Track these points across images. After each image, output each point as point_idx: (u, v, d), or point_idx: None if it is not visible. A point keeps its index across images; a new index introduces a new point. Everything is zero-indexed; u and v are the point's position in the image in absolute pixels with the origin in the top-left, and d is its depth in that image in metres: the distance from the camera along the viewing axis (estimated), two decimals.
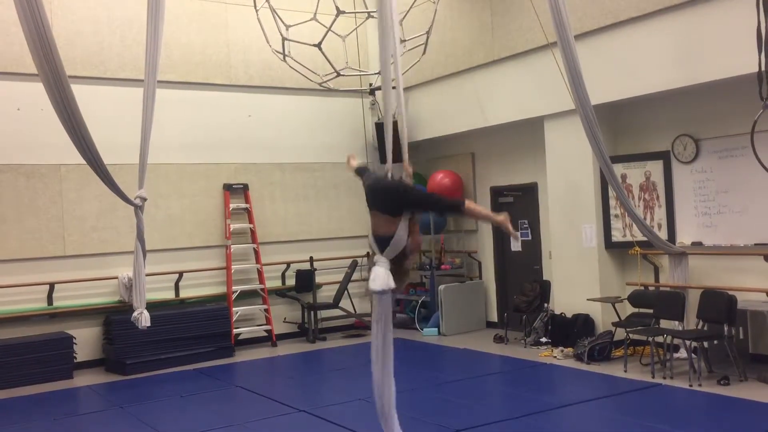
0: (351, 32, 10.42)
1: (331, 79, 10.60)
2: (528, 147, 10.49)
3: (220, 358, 9.97)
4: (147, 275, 7.05)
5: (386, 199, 4.90)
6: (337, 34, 10.16)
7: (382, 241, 4.77)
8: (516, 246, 10.25)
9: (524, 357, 9.06)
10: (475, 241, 11.68)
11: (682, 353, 7.96)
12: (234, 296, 10.61)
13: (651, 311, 8.35)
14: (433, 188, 11.53)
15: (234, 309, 10.54)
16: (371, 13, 9.92)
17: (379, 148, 11.64)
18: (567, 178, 9.54)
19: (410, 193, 4.95)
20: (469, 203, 4.82)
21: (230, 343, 10.26)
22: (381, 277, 4.66)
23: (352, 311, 11.45)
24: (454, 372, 8.72)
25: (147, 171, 6.67)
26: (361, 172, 5.63)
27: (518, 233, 5.24)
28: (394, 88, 5.46)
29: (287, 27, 10.08)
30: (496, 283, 11.30)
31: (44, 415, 7.45)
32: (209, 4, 10.84)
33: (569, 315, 9.47)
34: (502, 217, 4.71)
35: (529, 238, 10.77)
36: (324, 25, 9.84)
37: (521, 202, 10.90)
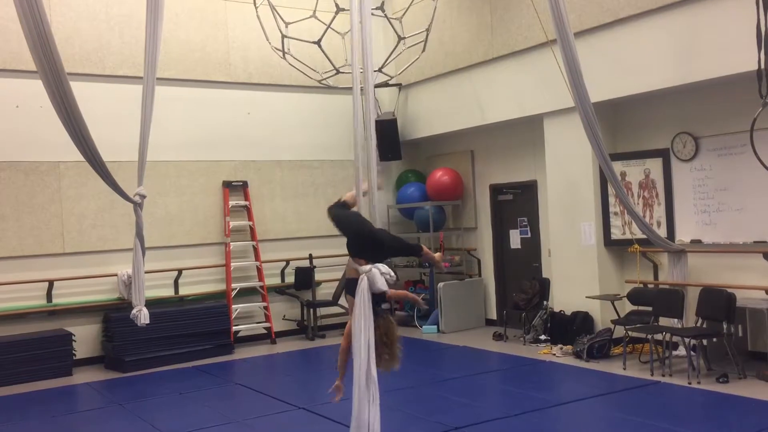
0: (350, 29, 10.40)
1: (331, 76, 10.60)
2: (527, 145, 10.49)
3: (219, 355, 9.97)
4: (146, 272, 7.05)
5: (364, 244, 5.21)
6: (336, 32, 10.16)
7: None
8: None
9: (523, 354, 9.07)
10: (474, 238, 11.68)
11: (681, 351, 7.97)
12: (233, 293, 10.61)
13: (650, 309, 8.35)
14: (433, 186, 11.54)
15: (233, 306, 10.54)
16: (371, 11, 9.90)
17: (378, 145, 11.63)
18: (566, 175, 9.53)
19: (378, 235, 5.38)
20: (425, 248, 5.42)
21: (229, 340, 10.26)
22: (378, 276, 4.78)
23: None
24: (453, 369, 8.73)
25: (146, 168, 6.67)
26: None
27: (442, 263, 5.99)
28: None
29: (287, 24, 10.08)
30: (496, 281, 11.31)
31: (43, 412, 7.45)
32: (208, 1, 10.82)
33: (568, 312, 9.48)
34: (437, 256, 5.63)
35: (529, 235, 10.78)
36: (323, 23, 9.84)
37: (520, 200, 10.91)
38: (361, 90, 5.83)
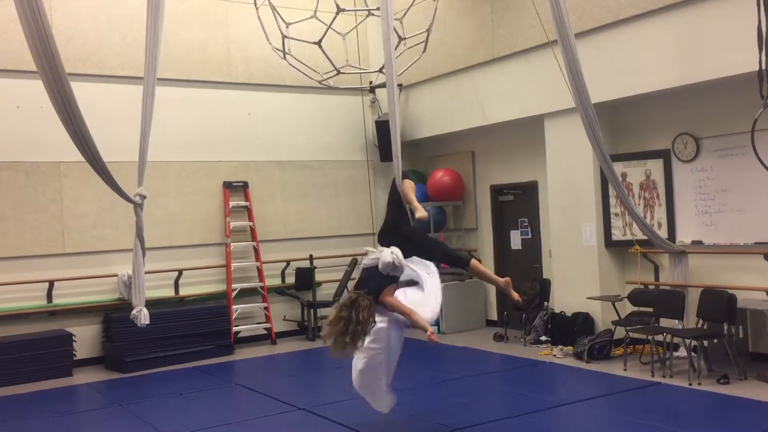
0: (351, 30, 10.41)
1: (331, 77, 10.59)
2: (528, 145, 10.48)
3: (220, 355, 9.97)
4: (146, 273, 7.04)
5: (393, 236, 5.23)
6: (337, 32, 10.15)
7: None
8: None
9: (524, 355, 9.06)
10: (475, 239, 11.67)
11: (682, 352, 7.96)
12: (234, 294, 10.61)
13: (651, 310, 8.35)
14: (433, 186, 11.54)
15: (234, 307, 10.54)
16: (371, 11, 9.91)
17: (379, 145, 11.64)
18: (567, 176, 9.53)
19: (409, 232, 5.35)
20: (474, 262, 5.23)
21: (230, 341, 10.26)
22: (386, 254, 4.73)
23: None
24: (453, 370, 8.72)
25: (146, 169, 6.66)
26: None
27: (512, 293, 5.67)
28: (399, 85, 5.58)
29: (287, 25, 10.07)
30: None
31: (44, 412, 7.45)
32: (209, 1, 10.82)
33: (569, 313, 9.47)
34: (504, 281, 5.34)
35: (529, 236, 10.77)
36: (324, 23, 9.83)
37: (521, 201, 10.90)
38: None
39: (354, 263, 11.22)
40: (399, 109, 5.31)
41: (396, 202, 5.30)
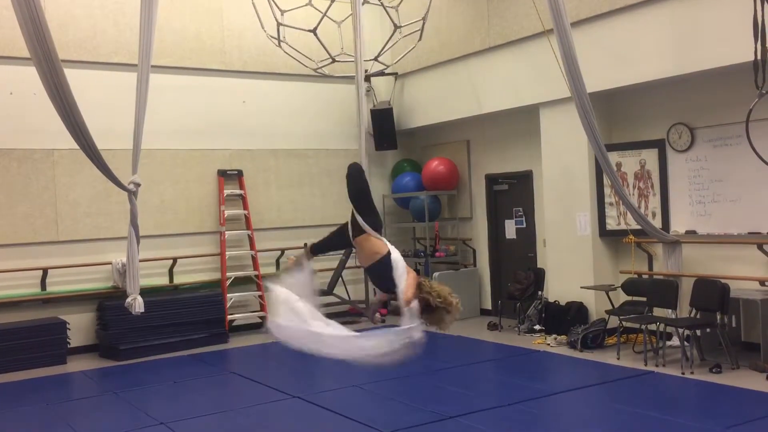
0: (346, 18, 10.34)
1: (327, 65, 10.56)
2: (523, 135, 10.48)
3: (214, 344, 9.97)
4: (141, 261, 7.03)
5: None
6: (332, 20, 10.10)
7: None
8: None
9: (518, 344, 9.09)
10: (469, 228, 11.68)
11: (675, 341, 8.00)
12: (228, 282, 10.60)
13: (644, 299, 8.38)
14: (428, 176, 11.53)
15: (228, 295, 10.53)
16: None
17: (374, 135, 11.62)
18: (562, 166, 9.54)
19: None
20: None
21: (224, 329, 10.26)
22: None
23: (347, 298, 11.46)
24: (447, 359, 8.74)
25: (141, 156, 6.63)
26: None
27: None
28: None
29: (282, 12, 10.02)
30: (491, 271, 11.32)
31: (37, 400, 7.44)
32: None
33: (563, 303, 9.50)
34: None
35: (524, 225, 10.78)
36: (319, 11, 9.80)
37: (516, 190, 10.91)
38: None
39: (349, 252, 11.21)
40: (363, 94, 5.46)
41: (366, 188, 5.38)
